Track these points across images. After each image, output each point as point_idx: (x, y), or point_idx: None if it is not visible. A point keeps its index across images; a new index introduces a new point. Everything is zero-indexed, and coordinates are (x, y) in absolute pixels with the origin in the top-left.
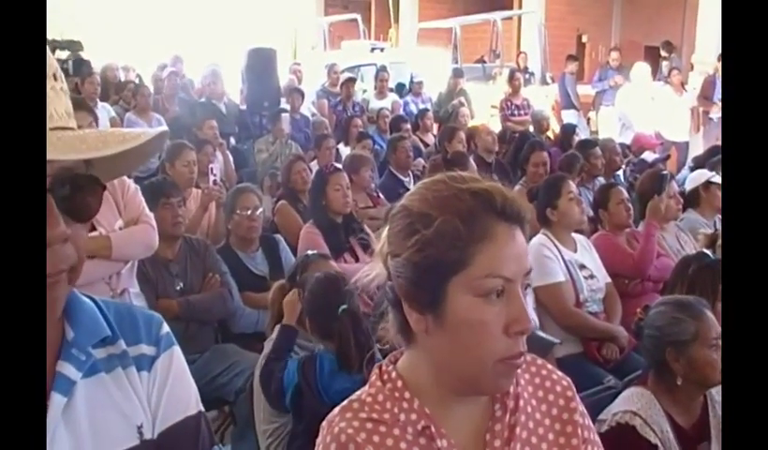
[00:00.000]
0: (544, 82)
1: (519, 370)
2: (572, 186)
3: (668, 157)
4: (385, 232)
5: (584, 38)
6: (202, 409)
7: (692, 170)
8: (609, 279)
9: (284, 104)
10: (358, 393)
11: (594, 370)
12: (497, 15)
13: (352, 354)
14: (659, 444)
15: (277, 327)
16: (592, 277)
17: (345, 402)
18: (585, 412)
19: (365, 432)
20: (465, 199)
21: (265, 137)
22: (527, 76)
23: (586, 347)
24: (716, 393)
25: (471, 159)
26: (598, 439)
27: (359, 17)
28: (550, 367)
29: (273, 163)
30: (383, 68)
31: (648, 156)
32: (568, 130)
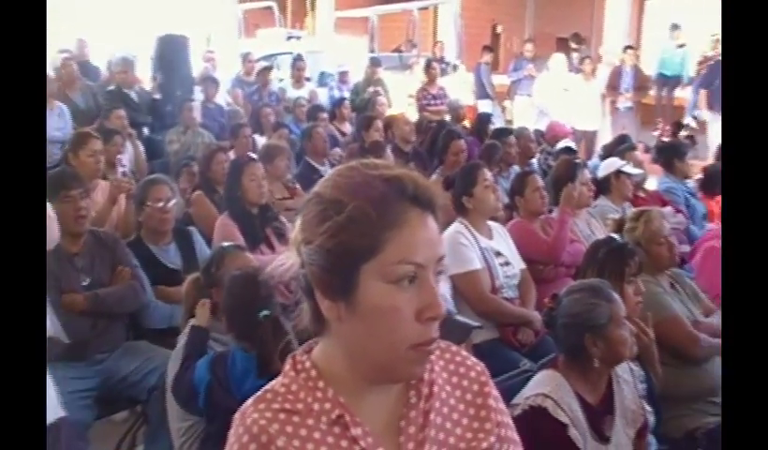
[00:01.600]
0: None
1: (433, 357)
2: (488, 173)
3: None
4: (299, 219)
5: (499, 29)
6: (63, 414)
7: (602, 158)
8: (524, 266)
9: (198, 93)
10: (271, 383)
11: (510, 355)
12: (414, 5)
13: (274, 360)
14: (569, 423)
15: (189, 326)
16: (507, 263)
17: (258, 393)
18: (499, 395)
19: (278, 423)
20: (377, 185)
21: (176, 127)
22: (444, 66)
23: (503, 332)
24: (619, 369)
25: (388, 149)
26: (511, 421)
27: (274, 5)
28: (464, 353)
29: (185, 153)
30: (299, 57)
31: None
32: (484, 119)
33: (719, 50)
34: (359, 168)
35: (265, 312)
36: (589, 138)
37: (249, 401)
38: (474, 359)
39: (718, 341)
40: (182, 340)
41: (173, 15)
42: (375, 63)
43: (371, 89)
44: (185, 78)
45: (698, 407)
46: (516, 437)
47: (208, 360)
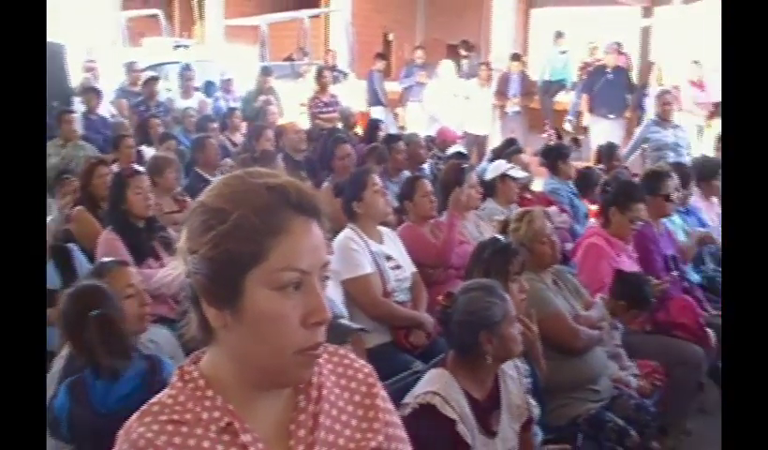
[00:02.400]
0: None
1: (322, 361)
2: (377, 178)
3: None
4: (184, 229)
5: (391, 37)
6: None
7: (491, 161)
8: (415, 269)
9: (78, 104)
10: (158, 395)
11: (403, 357)
12: (305, 13)
13: (103, 361)
14: (457, 419)
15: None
16: (398, 267)
17: (144, 406)
18: (387, 396)
19: (166, 435)
20: (260, 193)
21: (53, 140)
22: (336, 74)
23: (395, 335)
24: (505, 366)
25: (280, 158)
26: (399, 421)
27: (160, 13)
28: (352, 355)
29: (66, 167)
30: (188, 67)
31: (456, 148)
32: (373, 125)
33: (597, 56)
34: (243, 177)
35: (93, 312)
36: (481, 142)
37: (134, 416)
38: (362, 362)
39: (597, 333)
40: (57, 364)
41: (50, 22)
42: (266, 72)
43: (262, 98)
44: (62, 88)
45: (579, 395)
46: (404, 435)
47: (66, 385)
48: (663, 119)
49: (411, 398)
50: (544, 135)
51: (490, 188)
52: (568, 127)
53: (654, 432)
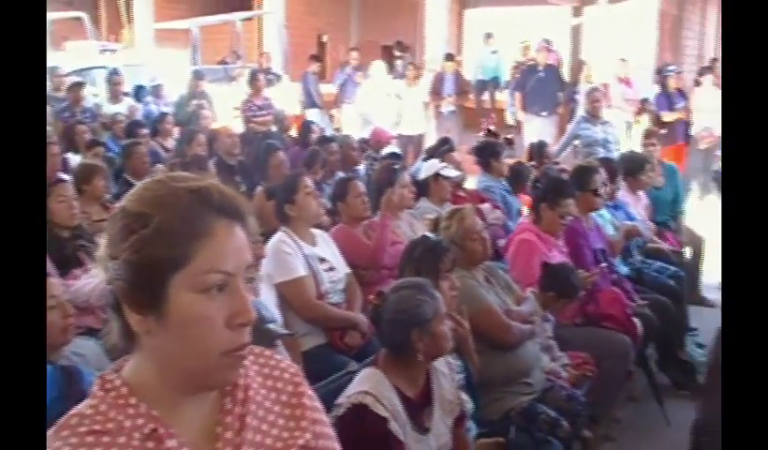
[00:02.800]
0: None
1: (247, 362)
2: (308, 181)
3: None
4: (105, 235)
5: (325, 39)
6: None
7: (425, 160)
8: (349, 270)
9: None
10: (77, 407)
11: (339, 359)
12: (237, 16)
13: None
14: (389, 417)
15: None
16: (332, 269)
17: (61, 419)
18: (314, 395)
19: (86, 446)
20: (182, 197)
21: None
22: (270, 76)
23: (330, 337)
24: (437, 363)
25: (212, 162)
26: (326, 418)
27: (85, 16)
28: (278, 356)
29: None
30: (116, 71)
31: (391, 149)
32: (306, 128)
33: (530, 55)
34: (164, 181)
35: None
36: (417, 142)
37: (51, 430)
38: (288, 362)
39: (529, 327)
40: None
41: None
42: (198, 76)
43: (194, 102)
44: None
45: (512, 389)
46: (331, 432)
47: None
48: (593, 116)
49: (344, 399)
50: (480, 134)
51: (423, 188)
52: (510, 119)
53: (585, 421)
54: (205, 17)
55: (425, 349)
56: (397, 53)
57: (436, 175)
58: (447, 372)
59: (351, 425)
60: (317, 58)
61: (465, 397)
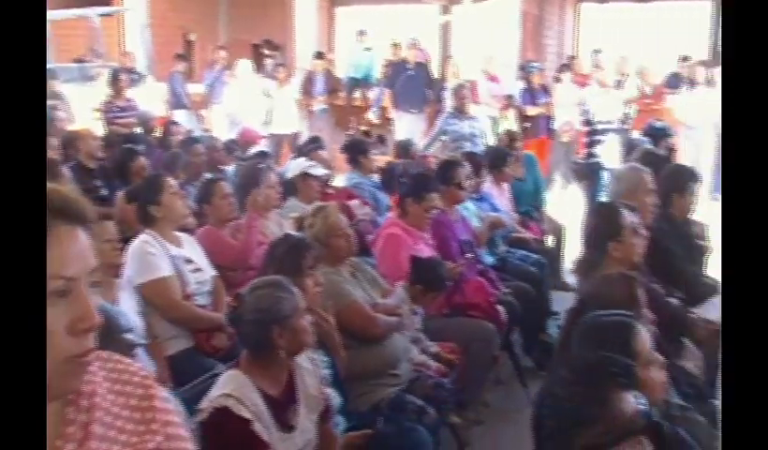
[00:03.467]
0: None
1: (95, 368)
2: (172, 181)
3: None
4: None
5: (192, 37)
6: None
7: (294, 159)
8: (215, 272)
9: None
10: None
11: (206, 362)
12: (93, 11)
13: None
14: (253, 418)
15: None
16: (198, 270)
17: None
18: (167, 396)
19: None
20: None
21: None
22: (135, 76)
23: (197, 340)
24: (299, 359)
25: (70, 166)
26: (180, 420)
27: None
28: (127, 360)
29: None
30: None
31: (259, 148)
32: (168, 130)
33: (400, 53)
34: None
35: None
36: (290, 141)
37: None
38: (138, 365)
39: (395, 319)
40: None
41: None
42: (50, 75)
43: (48, 103)
44: None
45: (381, 381)
46: (185, 434)
47: None
48: (459, 112)
49: (206, 403)
50: (351, 132)
51: (291, 187)
52: (372, 117)
53: (452, 407)
54: (57, 11)
55: (287, 345)
56: (266, 52)
57: (304, 174)
58: (310, 368)
59: (214, 429)
60: (184, 57)
61: (331, 391)
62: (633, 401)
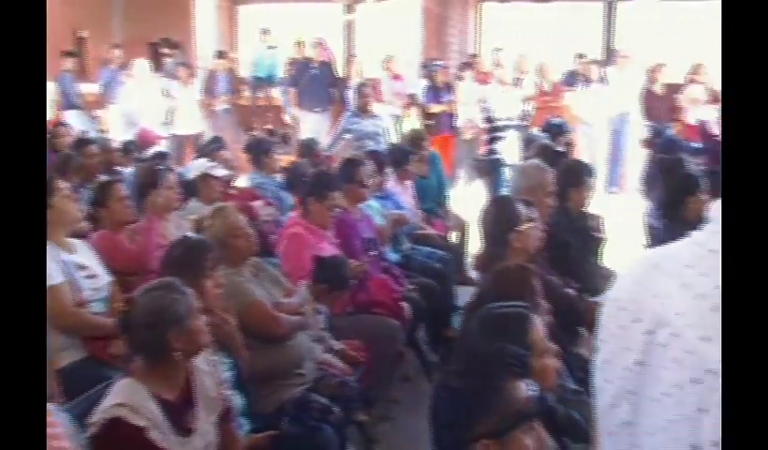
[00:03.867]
0: None
1: None
2: (63, 184)
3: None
4: None
5: (84, 34)
6: None
7: (196, 159)
8: (111, 278)
9: None
10: None
11: (103, 371)
12: None
13: None
14: (148, 425)
15: None
16: (93, 276)
17: None
18: (52, 411)
19: None
20: None
21: None
22: None
23: (94, 349)
24: (197, 361)
25: None
26: (63, 434)
27: None
28: None
29: None
30: None
31: (158, 149)
32: (58, 132)
33: (303, 52)
34: None
35: None
36: (193, 141)
37: None
38: None
39: (298, 319)
40: None
41: None
42: None
43: None
44: None
45: (285, 381)
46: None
47: None
48: (363, 110)
49: (98, 415)
50: (255, 133)
51: (193, 188)
52: (288, 118)
53: (358, 405)
54: None
55: (183, 347)
56: (165, 51)
57: (206, 175)
58: (208, 369)
59: (108, 441)
60: (73, 54)
61: (233, 392)
62: (525, 389)
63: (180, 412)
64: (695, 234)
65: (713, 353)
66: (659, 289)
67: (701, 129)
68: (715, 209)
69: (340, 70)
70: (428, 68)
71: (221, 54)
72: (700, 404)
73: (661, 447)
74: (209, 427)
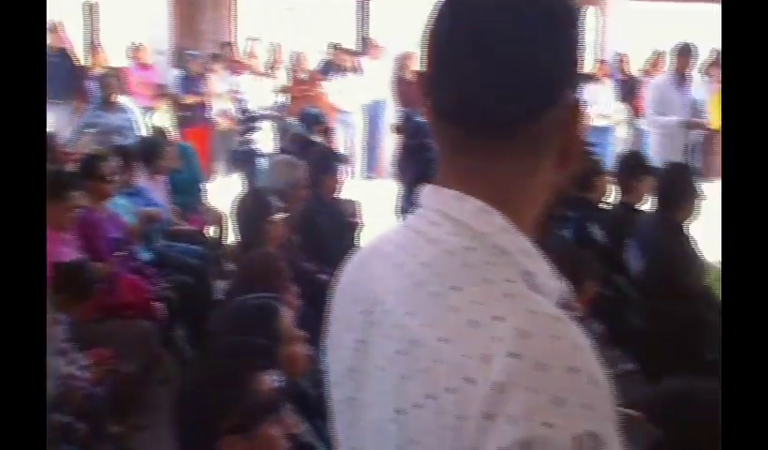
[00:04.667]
0: None
1: None
2: None
3: None
4: None
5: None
6: None
7: None
8: None
9: None
10: None
11: None
12: None
13: None
14: None
15: None
16: None
17: None
18: None
19: None
20: None
21: None
22: None
23: None
24: None
25: None
26: None
27: None
28: None
29: None
30: None
31: None
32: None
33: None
34: None
35: None
36: None
37: None
38: None
39: None
40: None
41: None
42: None
43: None
44: None
45: None
46: None
47: None
48: (108, 103)
49: None
50: None
51: None
52: None
53: (109, 417)
54: None
55: None
56: None
57: None
58: None
59: None
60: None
61: None
62: (270, 381)
63: None
64: (408, 217)
65: (415, 326)
66: (376, 270)
67: None
68: (424, 195)
69: (81, 59)
70: (181, 57)
71: None
72: (404, 372)
73: (375, 417)
74: None
